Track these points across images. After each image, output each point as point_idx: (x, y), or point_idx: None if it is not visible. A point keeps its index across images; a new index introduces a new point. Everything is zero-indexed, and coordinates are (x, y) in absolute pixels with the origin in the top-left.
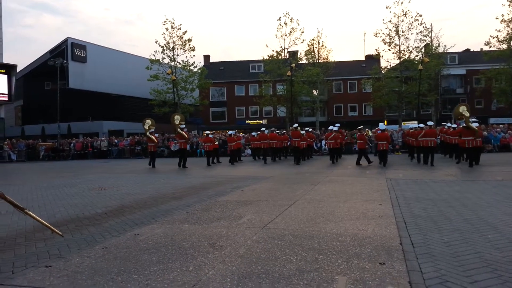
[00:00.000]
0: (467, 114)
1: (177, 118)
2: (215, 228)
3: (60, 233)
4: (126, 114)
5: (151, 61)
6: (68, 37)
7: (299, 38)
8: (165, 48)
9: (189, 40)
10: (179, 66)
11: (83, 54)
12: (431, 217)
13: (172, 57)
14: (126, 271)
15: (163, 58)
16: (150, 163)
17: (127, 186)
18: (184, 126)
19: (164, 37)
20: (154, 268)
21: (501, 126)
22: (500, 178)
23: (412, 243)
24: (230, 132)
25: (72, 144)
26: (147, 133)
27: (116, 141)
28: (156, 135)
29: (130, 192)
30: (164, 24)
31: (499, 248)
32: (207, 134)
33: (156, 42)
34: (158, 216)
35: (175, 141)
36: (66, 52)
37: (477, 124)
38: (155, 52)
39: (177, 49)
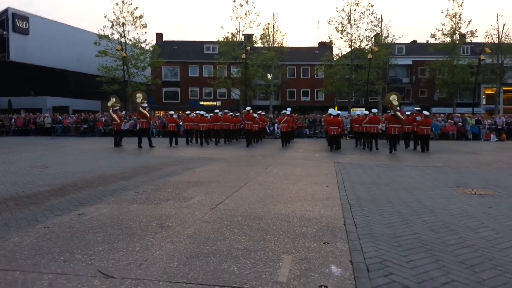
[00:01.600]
0: (396, 103)
1: (139, 96)
2: (164, 209)
3: None
4: (72, 90)
5: (100, 36)
6: (8, 7)
7: (255, 21)
8: (114, 24)
9: (141, 17)
10: (130, 43)
11: (26, 26)
12: (374, 199)
13: (122, 33)
14: (69, 251)
15: (112, 33)
16: (115, 142)
17: (72, 164)
18: (146, 105)
19: (113, 12)
20: (99, 248)
21: (442, 115)
22: (439, 164)
23: (355, 224)
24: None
25: (13, 120)
26: (110, 111)
27: (60, 118)
28: (123, 113)
29: (75, 171)
30: None
31: (434, 229)
32: (171, 115)
33: (105, 17)
34: (105, 196)
35: (125, 120)
36: (7, 23)
37: (427, 113)
38: (104, 27)
39: (128, 25)
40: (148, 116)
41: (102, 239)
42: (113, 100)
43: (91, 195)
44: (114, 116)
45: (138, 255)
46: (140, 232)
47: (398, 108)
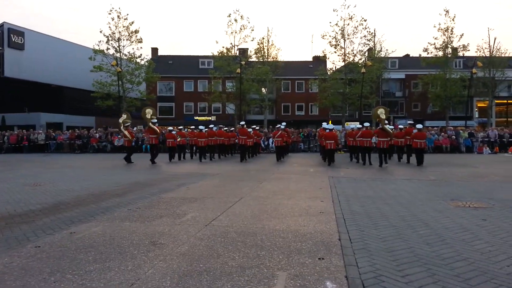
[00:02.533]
0: (383, 117)
1: (149, 112)
2: (157, 226)
3: None
4: (66, 106)
5: (95, 51)
6: (4, 22)
7: (249, 36)
8: (110, 39)
9: (136, 32)
10: (125, 58)
11: (21, 41)
12: (369, 213)
13: (118, 48)
14: (59, 271)
15: (107, 48)
16: (152, 158)
17: (64, 182)
18: (155, 120)
19: (109, 27)
20: (90, 268)
21: (435, 128)
22: (433, 177)
23: (350, 238)
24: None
25: (5, 137)
26: (150, 124)
27: (54, 134)
28: (134, 129)
29: (68, 188)
30: (109, 14)
31: (429, 243)
32: (170, 130)
33: (100, 31)
34: (97, 214)
35: (119, 136)
36: (2, 38)
37: (421, 126)
38: (99, 42)
39: (123, 40)
40: (158, 132)
41: (94, 258)
42: (124, 116)
43: (83, 213)
44: (126, 132)
45: (130, 274)
46: (132, 251)
47: (386, 122)
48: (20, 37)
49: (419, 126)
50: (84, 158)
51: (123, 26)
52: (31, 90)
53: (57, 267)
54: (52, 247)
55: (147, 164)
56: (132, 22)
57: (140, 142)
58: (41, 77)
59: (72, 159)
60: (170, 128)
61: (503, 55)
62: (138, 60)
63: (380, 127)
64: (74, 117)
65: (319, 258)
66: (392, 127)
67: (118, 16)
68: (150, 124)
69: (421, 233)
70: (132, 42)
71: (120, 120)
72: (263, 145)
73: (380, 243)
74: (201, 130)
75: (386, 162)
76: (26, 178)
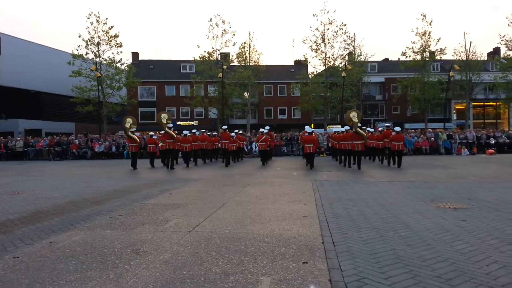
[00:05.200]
0: (356, 120)
1: (164, 116)
2: (140, 233)
3: None
4: (45, 113)
5: (74, 56)
6: None
7: (231, 40)
8: (89, 43)
9: (116, 36)
10: (105, 62)
11: None
12: (351, 216)
13: (97, 53)
14: (39, 282)
15: (86, 53)
16: (132, 165)
17: (44, 190)
18: (171, 125)
19: (88, 31)
20: (71, 278)
21: (414, 131)
22: (413, 179)
23: (333, 242)
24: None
25: None
26: (128, 133)
27: (33, 141)
28: (137, 134)
29: (48, 197)
30: (88, 18)
31: (410, 244)
32: (151, 136)
33: (79, 36)
34: (77, 222)
35: (99, 142)
36: None
37: (399, 129)
38: (78, 46)
39: (103, 44)
40: (175, 136)
41: (75, 268)
42: (130, 121)
43: (63, 222)
44: (134, 137)
45: (112, 284)
46: (114, 259)
47: (359, 125)
48: None
49: (397, 128)
50: (64, 165)
51: (103, 31)
52: (8, 96)
53: (37, 278)
54: (32, 257)
55: (128, 170)
56: (112, 27)
57: (121, 148)
58: (18, 82)
59: (52, 166)
60: (151, 133)
61: (478, 59)
62: (118, 64)
63: (354, 130)
64: (53, 123)
65: (303, 262)
66: (372, 130)
67: (97, 21)
68: (167, 129)
69: (403, 235)
70: (112, 46)
71: (127, 125)
72: (246, 149)
73: (363, 245)
74: (185, 135)
75: (358, 167)
76: (4, 186)
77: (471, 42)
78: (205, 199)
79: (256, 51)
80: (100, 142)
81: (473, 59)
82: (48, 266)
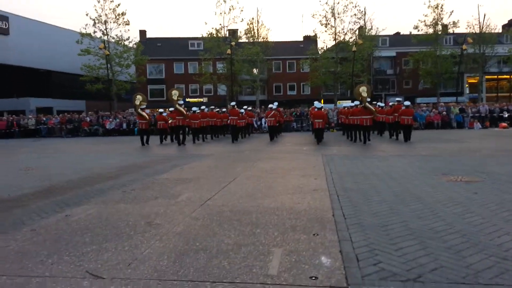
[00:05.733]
0: (365, 95)
1: (175, 93)
2: (153, 207)
3: None
4: (55, 91)
5: (82, 34)
6: None
7: (239, 16)
8: (96, 22)
9: (123, 14)
10: (113, 40)
11: (5, 26)
12: (362, 190)
13: (105, 31)
14: (56, 253)
15: (94, 32)
16: (143, 141)
17: (57, 166)
18: (182, 102)
19: (95, 10)
20: (87, 249)
21: (426, 105)
22: (424, 153)
23: (344, 215)
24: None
25: None
26: (138, 110)
27: (44, 119)
28: (147, 111)
29: (61, 172)
30: None
31: (421, 217)
32: (161, 113)
33: (87, 15)
34: (91, 196)
35: (110, 119)
36: None
37: (408, 103)
38: (86, 25)
39: (110, 22)
40: (185, 113)
41: (90, 240)
42: (140, 98)
43: (77, 196)
44: (144, 114)
45: (127, 255)
46: (128, 232)
47: (368, 99)
48: (4, 22)
49: (407, 103)
50: (76, 142)
51: (110, 9)
52: (18, 75)
53: (54, 249)
54: (48, 230)
55: (139, 147)
56: (119, 4)
57: (131, 125)
58: (28, 62)
59: (64, 143)
60: (161, 110)
61: (492, 31)
62: (126, 42)
63: (363, 105)
64: (64, 102)
65: (313, 234)
66: (383, 104)
67: None
68: (177, 105)
69: (414, 208)
70: (119, 24)
71: (137, 102)
72: (256, 125)
73: (373, 218)
74: (194, 111)
75: (369, 140)
76: (18, 163)
77: (485, 15)
78: (216, 174)
79: (265, 27)
80: (111, 120)
81: (487, 32)
82: (64, 238)
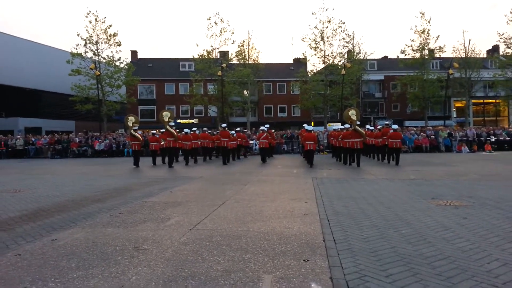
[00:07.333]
0: (355, 118)
1: (166, 114)
2: (141, 231)
3: None
4: (44, 111)
5: (73, 54)
6: None
7: (230, 39)
8: (88, 42)
9: (115, 34)
10: (104, 61)
11: None
12: (352, 214)
13: (96, 52)
14: (41, 279)
15: (85, 52)
16: (134, 163)
17: (45, 188)
18: (173, 123)
19: (87, 30)
20: (73, 275)
21: (414, 128)
22: (413, 176)
23: (334, 239)
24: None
25: None
26: (131, 131)
27: (33, 139)
28: (140, 132)
29: (48, 195)
30: (87, 17)
31: (411, 242)
32: (153, 134)
33: (78, 35)
34: (78, 220)
35: (99, 140)
36: None
37: (396, 127)
38: (77, 45)
39: (101, 43)
40: (176, 135)
41: (77, 266)
42: (132, 119)
43: (64, 220)
44: (137, 135)
45: (114, 281)
46: (116, 257)
47: (357, 123)
48: None
49: (395, 126)
50: (64, 163)
51: (101, 29)
52: (7, 94)
53: (39, 275)
54: (33, 255)
55: (129, 169)
56: (110, 25)
57: (121, 146)
58: (17, 81)
59: (52, 164)
60: (153, 131)
61: (477, 56)
62: (117, 63)
63: (353, 128)
64: (53, 122)
65: (304, 260)
66: (372, 127)
67: (96, 19)
68: (168, 127)
69: (404, 233)
70: (111, 45)
71: (130, 123)
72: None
73: (364, 243)
74: (186, 133)
75: (358, 165)
76: (5, 184)
77: (470, 40)
78: (206, 197)
79: (255, 49)
80: (100, 140)
81: (472, 56)
82: (50, 264)
